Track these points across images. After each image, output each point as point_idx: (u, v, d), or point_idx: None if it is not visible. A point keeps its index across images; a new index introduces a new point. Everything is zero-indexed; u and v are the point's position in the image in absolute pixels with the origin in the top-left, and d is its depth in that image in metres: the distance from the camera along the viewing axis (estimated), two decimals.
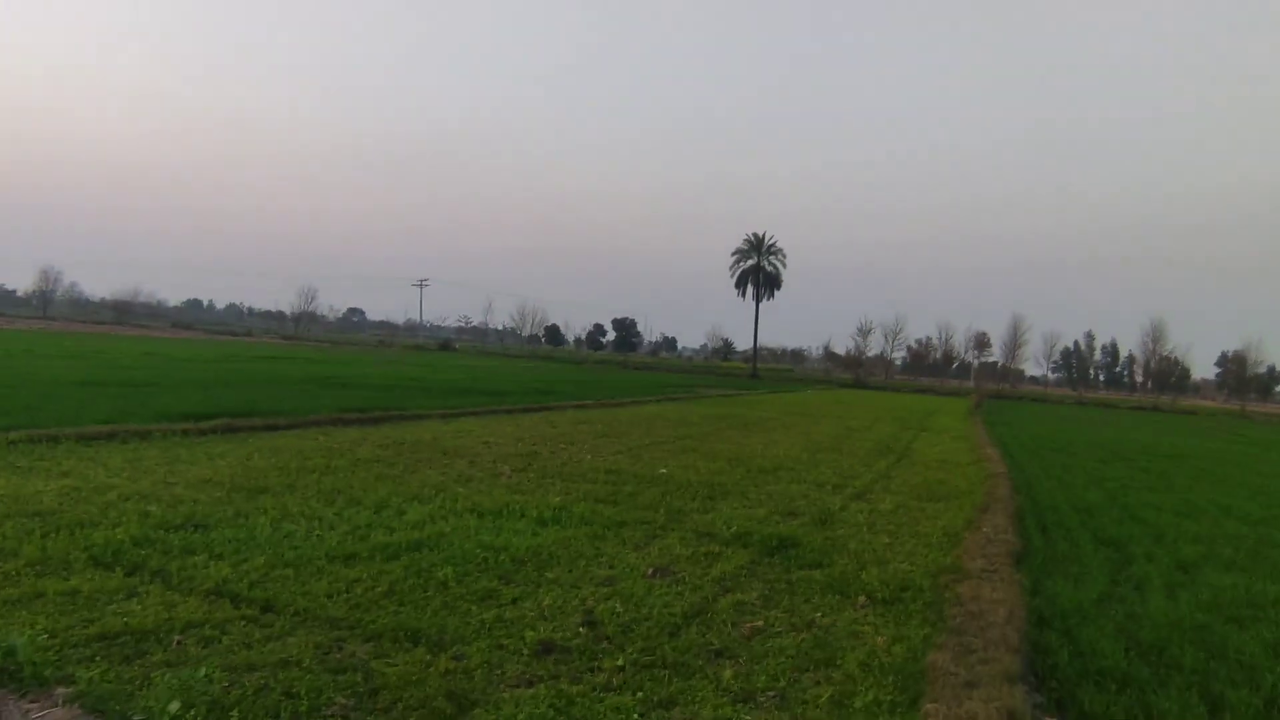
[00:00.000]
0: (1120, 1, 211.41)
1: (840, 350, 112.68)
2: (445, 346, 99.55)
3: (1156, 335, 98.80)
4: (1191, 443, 27.35)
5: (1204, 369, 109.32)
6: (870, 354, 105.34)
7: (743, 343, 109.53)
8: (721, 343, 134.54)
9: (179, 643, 4.09)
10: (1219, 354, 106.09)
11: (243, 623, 4.43)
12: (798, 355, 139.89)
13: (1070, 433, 28.04)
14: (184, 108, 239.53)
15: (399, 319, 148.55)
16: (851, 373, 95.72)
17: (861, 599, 5.68)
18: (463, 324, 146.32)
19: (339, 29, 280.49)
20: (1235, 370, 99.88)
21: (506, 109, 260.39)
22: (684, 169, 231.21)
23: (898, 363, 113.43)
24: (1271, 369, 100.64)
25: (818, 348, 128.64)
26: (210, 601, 4.70)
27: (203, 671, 3.69)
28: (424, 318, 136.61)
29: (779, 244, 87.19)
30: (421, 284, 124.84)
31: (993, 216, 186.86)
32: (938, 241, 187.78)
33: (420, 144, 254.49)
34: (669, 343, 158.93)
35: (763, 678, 4.20)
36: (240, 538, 6.10)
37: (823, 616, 5.30)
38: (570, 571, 5.95)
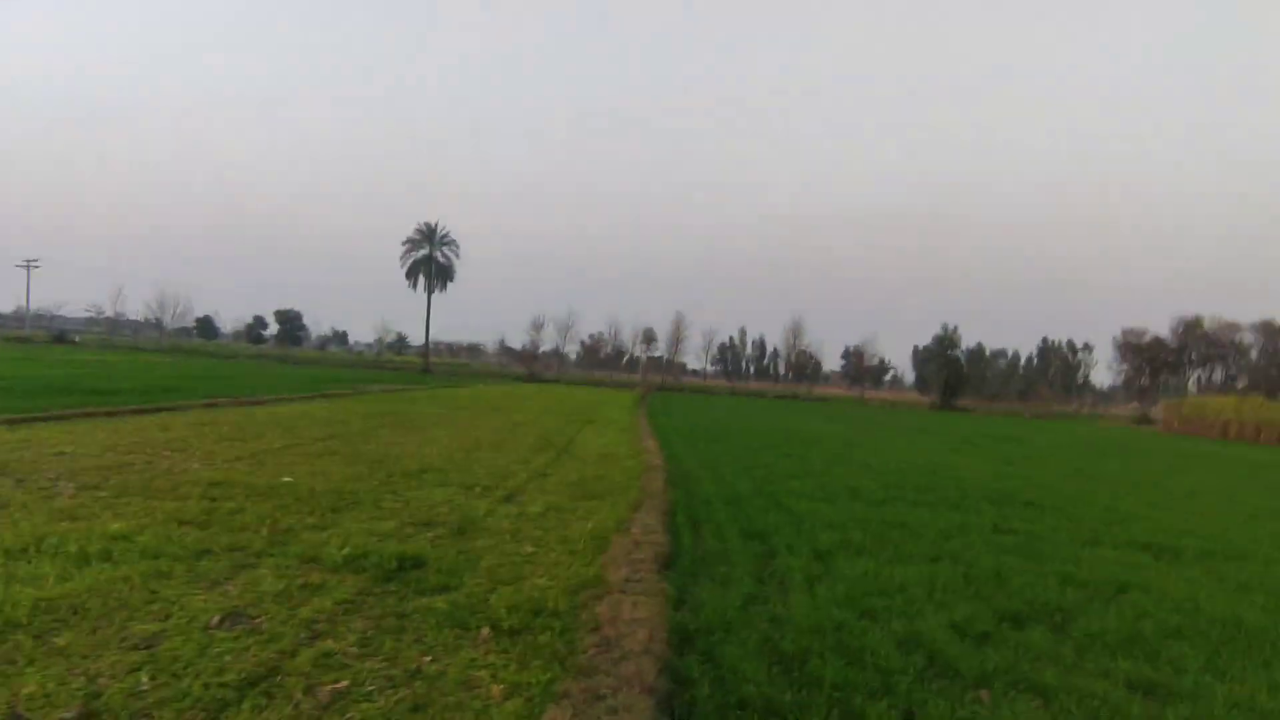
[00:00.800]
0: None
1: (516, 345, 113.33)
2: (61, 339, 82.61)
3: (796, 332, 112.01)
4: (825, 428, 30.69)
5: (832, 362, 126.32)
6: (545, 348, 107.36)
7: (418, 337, 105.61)
8: (395, 336, 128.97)
9: None
10: (844, 348, 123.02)
11: None
12: (475, 350, 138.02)
13: (725, 422, 30.11)
14: None
15: (9, 307, 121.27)
16: (526, 367, 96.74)
17: (485, 631, 4.67)
18: (93, 314, 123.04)
19: None
20: (856, 362, 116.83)
21: (149, 66, 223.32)
22: (356, 149, 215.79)
23: (572, 357, 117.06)
24: (882, 361, 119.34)
25: (494, 342, 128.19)
26: None
27: None
28: (36, 306, 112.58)
29: (452, 235, 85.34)
30: (29, 265, 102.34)
31: (662, 217, 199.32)
32: (608, 237, 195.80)
33: (42, 98, 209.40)
34: (340, 336, 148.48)
35: None
36: None
37: (433, 661, 4.19)
38: (96, 632, 4.19)
